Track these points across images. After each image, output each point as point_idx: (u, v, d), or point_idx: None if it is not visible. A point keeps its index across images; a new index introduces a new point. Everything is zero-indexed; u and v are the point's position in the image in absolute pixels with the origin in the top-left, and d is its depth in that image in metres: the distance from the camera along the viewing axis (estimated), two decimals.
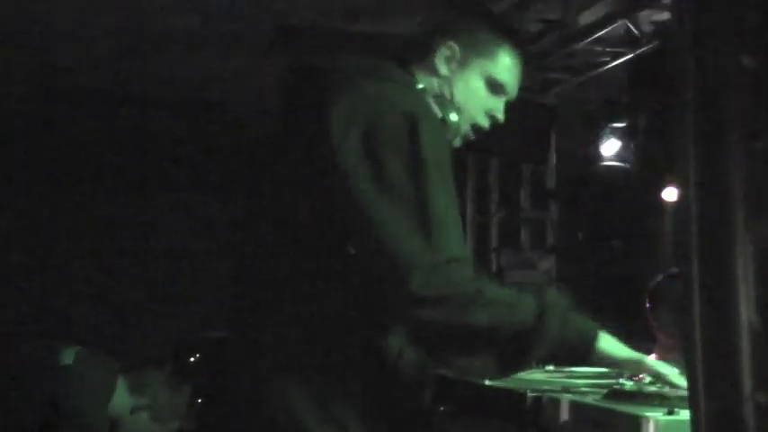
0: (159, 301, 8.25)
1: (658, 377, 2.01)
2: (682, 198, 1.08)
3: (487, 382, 2.34)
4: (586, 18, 4.76)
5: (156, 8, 5.31)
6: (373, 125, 1.83)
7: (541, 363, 2.25)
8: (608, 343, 1.94)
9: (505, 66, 2.14)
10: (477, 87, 2.12)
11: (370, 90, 1.91)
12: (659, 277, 3.63)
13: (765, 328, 1.02)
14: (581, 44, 4.84)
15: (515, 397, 2.18)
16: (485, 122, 2.16)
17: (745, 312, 1.02)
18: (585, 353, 1.92)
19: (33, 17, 5.46)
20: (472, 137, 2.16)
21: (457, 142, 2.12)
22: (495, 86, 2.13)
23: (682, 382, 1.95)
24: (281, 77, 1.93)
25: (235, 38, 5.66)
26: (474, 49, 2.11)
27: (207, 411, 2.19)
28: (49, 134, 7.74)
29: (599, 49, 4.98)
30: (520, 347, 1.83)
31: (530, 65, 2.57)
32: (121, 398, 3.62)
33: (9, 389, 3.54)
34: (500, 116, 2.17)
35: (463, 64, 2.10)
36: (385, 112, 1.84)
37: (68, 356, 3.58)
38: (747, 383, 1.02)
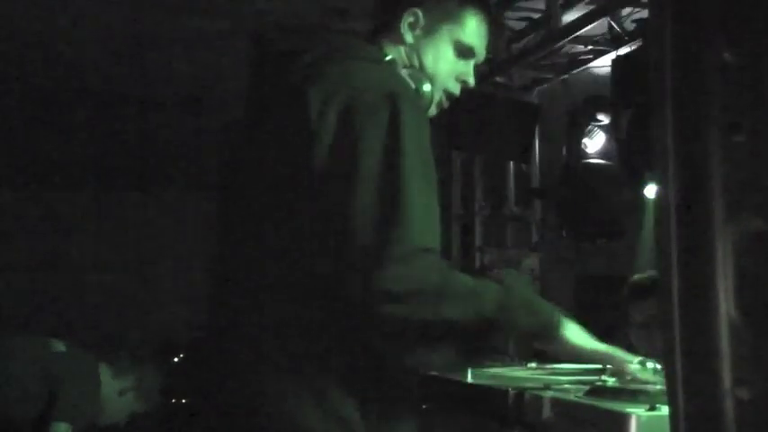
0: (144, 301, 8.23)
1: (621, 368, 2.02)
2: (661, 193, 1.08)
3: (470, 380, 2.34)
4: (569, 16, 4.77)
5: (152, 8, 5.30)
6: (351, 107, 1.80)
7: (503, 351, 2.26)
8: (574, 333, 1.94)
9: (472, 28, 2.13)
10: (445, 52, 2.11)
11: (344, 70, 1.89)
12: (632, 281, 3.63)
13: (744, 324, 1.02)
14: (564, 42, 4.84)
15: (498, 394, 2.18)
16: (456, 88, 2.14)
17: (725, 307, 1.02)
18: (548, 341, 1.92)
19: (30, 16, 5.44)
20: (446, 105, 2.15)
21: (432, 111, 2.10)
22: (463, 50, 2.12)
23: (648, 376, 1.96)
24: (250, 65, 1.90)
25: (227, 36, 5.65)
26: (439, 14, 2.10)
27: (197, 411, 2.17)
28: (41, 133, 7.71)
29: (582, 47, 4.99)
30: (482, 338, 1.82)
31: (496, 26, 2.57)
32: (107, 383, 3.79)
33: (4, 382, 3.63)
34: (471, 80, 2.16)
35: (429, 30, 2.09)
36: (363, 93, 1.82)
37: (59, 345, 3.72)
38: (727, 379, 1.02)
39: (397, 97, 1.81)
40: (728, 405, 1.02)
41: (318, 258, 1.80)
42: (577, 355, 1.98)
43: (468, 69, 2.15)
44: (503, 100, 5.10)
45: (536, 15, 5.05)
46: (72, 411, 3.66)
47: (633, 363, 2.01)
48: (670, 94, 1.10)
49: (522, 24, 5.18)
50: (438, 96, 2.11)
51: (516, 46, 5.21)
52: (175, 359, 7.09)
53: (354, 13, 4.98)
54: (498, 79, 5.34)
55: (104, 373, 3.88)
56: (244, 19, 5.33)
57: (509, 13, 5.09)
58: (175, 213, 8.40)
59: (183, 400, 6.83)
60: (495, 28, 2.38)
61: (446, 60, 2.11)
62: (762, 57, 1.04)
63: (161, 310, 8.08)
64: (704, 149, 1.05)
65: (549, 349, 1.99)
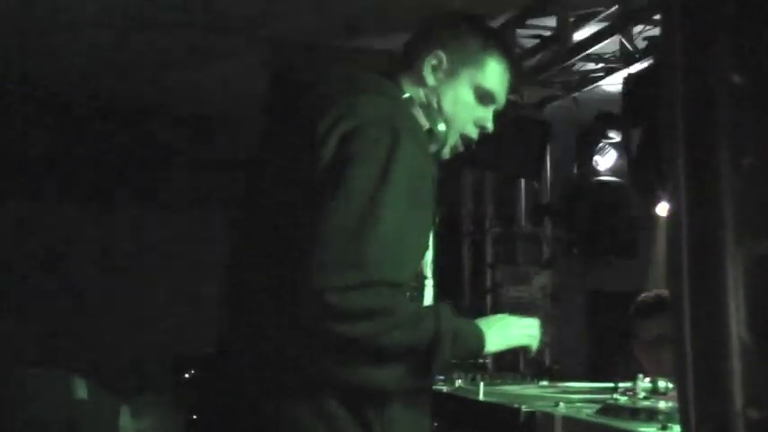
0: (155, 317, 8.24)
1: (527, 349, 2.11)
2: (672, 214, 1.09)
3: (481, 398, 2.34)
4: (581, 34, 4.79)
5: (152, 22, 5.33)
6: (354, 132, 1.82)
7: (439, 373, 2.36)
8: (493, 344, 2.02)
9: (494, 74, 2.12)
10: (465, 97, 2.10)
11: (356, 102, 1.90)
12: (638, 299, 3.62)
13: (755, 344, 1.02)
14: (576, 60, 4.85)
15: (509, 412, 2.18)
16: (474, 133, 2.14)
17: (736, 328, 1.03)
18: (476, 358, 2.08)
19: (38, 26, 5.47)
20: (461, 148, 2.15)
21: (446, 153, 2.10)
22: (483, 96, 2.12)
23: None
24: (266, 93, 1.91)
25: (231, 52, 5.68)
26: (462, 58, 2.09)
27: (207, 427, 2.19)
28: (46, 142, 7.74)
29: (593, 64, 5.00)
30: (419, 363, 1.86)
31: (520, 74, 2.56)
32: (126, 423, 3.77)
33: (21, 418, 3.62)
34: (489, 126, 2.16)
35: (451, 73, 2.09)
36: (365, 124, 1.84)
37: (81, 389, 3.69)
38: (738, 399, 1.03)
39: (400, 132, 1.83)
40: (740, 425, 1.03)
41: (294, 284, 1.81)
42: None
43: (487, 115, 2.14)
44: (514, 117, 5.11)
45: (547, 33, 5.06)
46: None
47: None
48: (680, 117, 1.11)
49: (534, 42, 5.19)
50: (454, 140, 2.11)
51: (528, 64, 5.22)
52: (186, 375, 7.09)
53: (365, 30, 5.00)
54: (509, 97, 5.34)
55: (124, 413, 3.87)
56: (256, 36, 5.35)
57: (520, 31, 5.11)
58: (172, 227, 8.41)
59: (195, 416, 6.83)
60: (516, 73, 2.38)
61: (465, 105, 2.10)
62: None
63: (169, 323, 8.08)
64: (714, 172, 1.06)
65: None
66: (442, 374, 2.00)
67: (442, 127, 2.04)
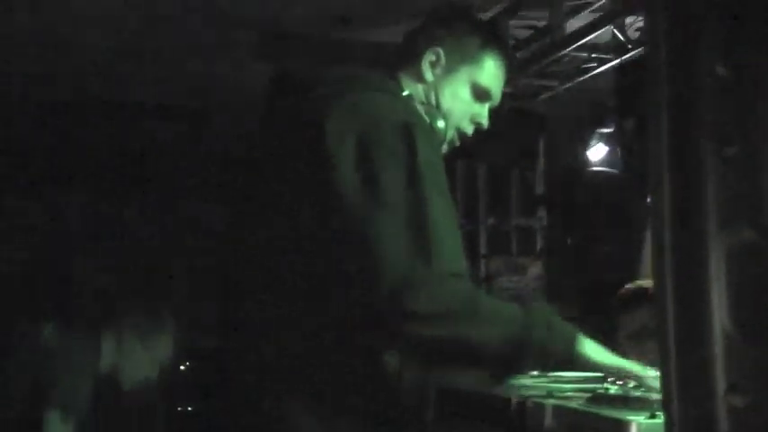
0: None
1: (639, 381, 2.03)
2: (655, 204, 1.10)
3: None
4: (573, 25, 4.79)
5: (147, 16, 5.33)
6: (368, 137, 1.82)
7: (528, 370, 2.26)
8: (591, 349, 1.95)
9: (491, 71, 2.15)
10: (462, 93, 2.12)
11: (360, 101, 1.91)
12: (621, 291, 3.63)
13: (737, 332, 1.04)
14: (568, 50, 4.86)
15: (500, 402, 2.20)
16: (469, 129, 2.16)
17: (718, 316, 1.04)
18: (568, 359, 1.93)
19: (35, 21, 5.47)
20: (457, 143, 2.18)
21: (444, 148, 2.13)
22: (480, 93, 2.14)
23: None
24: (265, 90, 1.94)
25: (223, 44, 5.68)
26: (459, 55, 2.11)
27: (206, 422, 2.20)
28: (43, 137, 7.75)
29: (586, 55, 5.01)
30: (508, 359, 1.84)
31: (515, 71, 2.59)
32: (109, 352, 3.79)
33: None
34: (484, 122, 2.18)
35: (449, 70, 2.11)
36: (379, 123, 1.84)
37: (51, 337, 3.73)
38: (720, 386, 1.04)
39: (412, 128, 1.84)
40: (722, 412, 1.04)
41: (338, 280, 1.82)
42: (594, 370, 2.00)
43: (483, 111, 2.16)
44: (507, 108, 5.12)
45: (540, 24, 5.06)
46: (64, 399, 3.67)
47: (652, 375, 2.02)
48: (665, 106, 1.12)
49: (527, 33, 5.20)
50: (451, 134, 2.13)
51: (521, 54, 5.23)
52: (182, 367, 7.10)
53: (357, 21, 5.00)
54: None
55: (108, 339, 3.86)
56: (249, 28, 5.35)
57: (514, 22, 5.11)
58: (165, 220, 8.42)
59: (190, 408, 6.85)
60: (514, 71, 2.40)
61: (462, 101, 2.12)
62: (753, 70, 1.06)
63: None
64: (698, 161, 1.07)
65: (570, 368, 2.01)
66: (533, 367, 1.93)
67: (441, 124, 2.07)
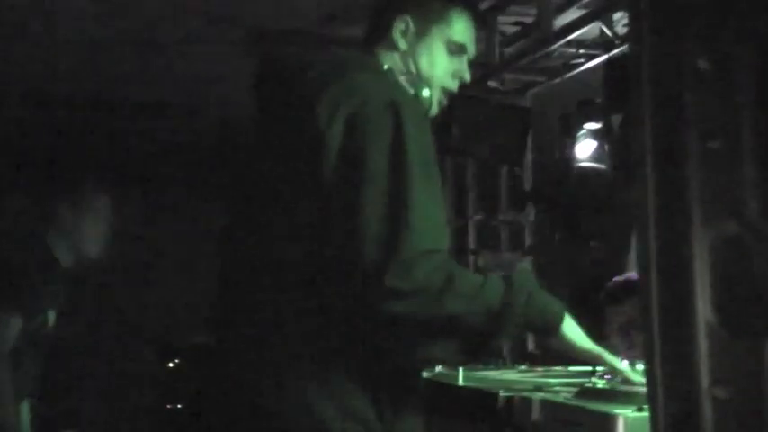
0: (139, 306, 8.23)
1: (614, 372, 2.05)
2: (639, 197, 1.10)
3: (460, 382, 2.36)
4: (561, 20, 4.79)
5: (134, 14, 5.31)
6: (356, 118, 1.86)
7: (507, 340, 2.27)
8: (571, 330, 1.97)
9: (460, 26, 2.20)
10: (438, 54, 2.18)
11: (347, 83, 1.95)
12: (608, 285, 3.64)
13: (721, 325, 1.04)
14: (556, 46, 4.86)
15: (488, 397, 2.20)
16: (454, 85, 2.22)
17: (702, 309, 1.05)
18: (549, 335, 1.95)
19: (30, 18, 5.45)
20: (445, 102, 2.20)
21: (434, 111, 2.18)
22: (454, 48, 2.20)
23: (637, 377, 1.98)
24: (254, 80, 1.97)
25: (209, 41, 5.67)
26: (427, 18, 2.17)
27: (207, 416, 2.19)
28: (41, 135, 7.73)
29: (574, 51, 5.01)
30: (486, 332, 1.85)
31: (483, 22, 2.64)
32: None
33: None
34: (466, 76, 2.24)
35: (420, 34, 2.16)
36: (366, 103, 1.88)
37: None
38: (705, 379, 1.04)
39: (399, 105, 1.88)
40: (706, 404, 1.04)
41: (327, 259, 1.84)
42: (570, 351, 2.01)
43: (462, 66, 2.23)
44: (495, 104, 5.12)
45: (528, 19, 5.07)
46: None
47: (621, 364, 2.04)
48: (648, 101, 1.12)
49: (515, 28, 5.20)
50: (437, 96, 2.18)
51: (508, 50, 5.23)
52: (170, 364, 7.09)
53: (342, 18, 4.99)
54: (490, 83, 5.36)
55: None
56: (236, 24, 5.34)
57: (501, 17, 5.11)
58: (174, 216, 8.41)
59: (179, 405, 6.84)
60: (483, 23, 2.46)
61: (440, 61, 2.18)
62: (734, 65, 1.07)
63: (158, 313, 8.08)
64: (681, 155, 1.08)
65: (547, 343, 2.02)
66: (513, 338, 1.89)
67: (426, 92, 2.12)
